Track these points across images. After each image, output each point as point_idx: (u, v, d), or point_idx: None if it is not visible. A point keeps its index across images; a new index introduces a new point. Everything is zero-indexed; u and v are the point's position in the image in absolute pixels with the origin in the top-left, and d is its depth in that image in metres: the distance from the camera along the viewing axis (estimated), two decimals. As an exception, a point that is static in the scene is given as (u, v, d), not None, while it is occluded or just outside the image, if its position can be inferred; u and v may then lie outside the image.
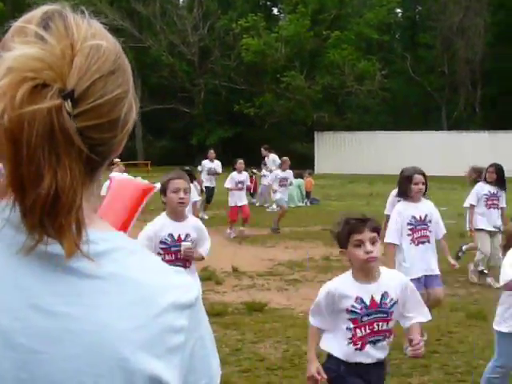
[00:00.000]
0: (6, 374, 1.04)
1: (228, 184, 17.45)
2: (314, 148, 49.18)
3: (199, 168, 21.50)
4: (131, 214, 3.39)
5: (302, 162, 35.31)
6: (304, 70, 49.29)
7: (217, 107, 54.39)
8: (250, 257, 13.78)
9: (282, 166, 19.15)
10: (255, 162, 27.58)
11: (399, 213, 7.72)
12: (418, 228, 7.68)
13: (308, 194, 25.90)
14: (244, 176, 17.87)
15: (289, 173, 18.88)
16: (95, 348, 1.10)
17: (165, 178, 6.30)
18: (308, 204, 25.38)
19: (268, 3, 62.67)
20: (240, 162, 17.93)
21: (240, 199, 17.30)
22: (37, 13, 1.18)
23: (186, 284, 1.24)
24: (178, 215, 6.38)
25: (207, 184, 20.54)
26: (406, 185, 7.70)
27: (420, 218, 7.69)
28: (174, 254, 6.32)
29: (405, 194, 7.77)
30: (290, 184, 19.50)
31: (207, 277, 11.72)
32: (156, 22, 53.35)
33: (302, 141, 50.94)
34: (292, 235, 17.40)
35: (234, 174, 17.71)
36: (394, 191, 10.30)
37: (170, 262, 5.97)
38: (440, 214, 8.05)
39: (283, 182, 18.60)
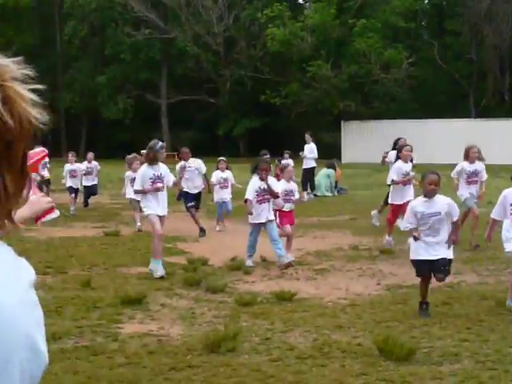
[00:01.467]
0: None
1: None
2: (341, 137, 49.02)
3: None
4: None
5: (328, 152, 35.22)
6: (330, 59, 49.08)
7: (243, 97, 54.33)
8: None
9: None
10: (282, 152, 27.50)
11: None
12: None
13: (335, 184, 25.85)
14: None
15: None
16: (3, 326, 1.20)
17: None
18: (336, 194, 25.35)
19: (293, -8, 62.48)
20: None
21: None
22: None
23: (28, 266, 1.33)
24: None
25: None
26: None
27: None
28: None
29: None
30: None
31: (236, 267, 11.77)
32: (181, 12, 53.34)
33: (329, 130, 50.74)
34: (320, 225, 17.39)
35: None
36: (507, 191, 9.38)
37: None
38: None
39: (472, 179, 14.00)
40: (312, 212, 19.41)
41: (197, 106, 55.39)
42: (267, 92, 50.23)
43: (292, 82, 50.53)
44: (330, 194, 24.97)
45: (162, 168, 11.72)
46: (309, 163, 23.93)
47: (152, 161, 11.58)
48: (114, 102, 54.21)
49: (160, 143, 11.88)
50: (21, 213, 3.90)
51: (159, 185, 11.47)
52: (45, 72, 57.25)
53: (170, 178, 11.88)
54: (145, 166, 11.86)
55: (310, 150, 23.78)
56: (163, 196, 11.61)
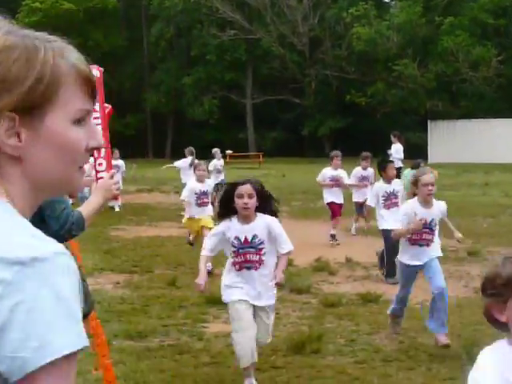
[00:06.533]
0: None
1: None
2: (428, 137, 48.39)
3: None
4: None
5: (414, 152, 34.75)
6: (416, 58, 48.51)
7: (328, 97, 54.19)
8: (364, 247, 13.65)
9: None
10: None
11: None
12: None
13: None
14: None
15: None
16: None
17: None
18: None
19: (379, -9, 62.00)
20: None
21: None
22: None
23: (30, 245, 1.22)
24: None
25: None
26: None
27: None
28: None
29: None
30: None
31: (321, 267, 11.69)
32: (266, 13, 53.54)
33: (415, 130, 50.13)
34: (406, 225, 17.12)
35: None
36: None
37: None
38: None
39: None
40: (398, 213, 19.22)
41: (281, 106, 55.49)
42: (352, 92, 50.00)
43: (377, 82, 50.16)
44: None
45: None
46: (394, 163, 23.65)
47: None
48: (200, 103, 54.78)
49: None
50: (95, 202, 3.94)
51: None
52: (132, 73, 58.31)
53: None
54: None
55: (396, 150, 23.51)
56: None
